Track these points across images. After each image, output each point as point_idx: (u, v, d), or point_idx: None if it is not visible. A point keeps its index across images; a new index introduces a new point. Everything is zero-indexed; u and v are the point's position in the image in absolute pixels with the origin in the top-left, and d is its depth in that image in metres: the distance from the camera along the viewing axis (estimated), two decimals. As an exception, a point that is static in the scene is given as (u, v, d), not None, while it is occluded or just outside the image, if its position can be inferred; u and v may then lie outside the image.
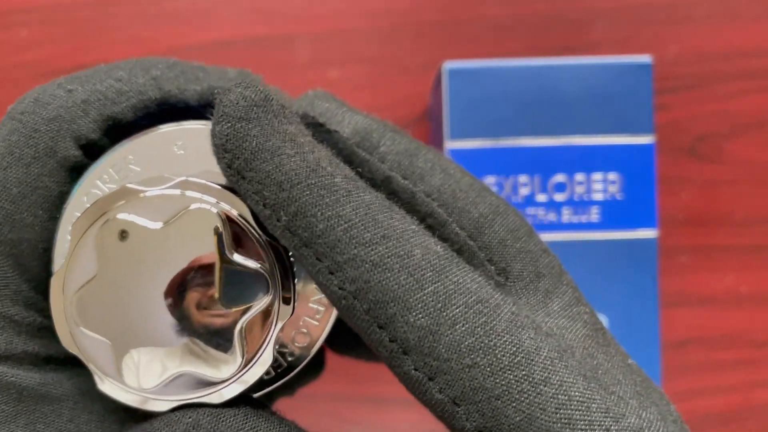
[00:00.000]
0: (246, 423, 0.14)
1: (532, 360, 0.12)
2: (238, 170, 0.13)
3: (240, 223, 0.14)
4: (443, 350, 0.12)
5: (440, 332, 0.12)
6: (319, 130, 0.16)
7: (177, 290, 0.14)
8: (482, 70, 0.28)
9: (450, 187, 0.15)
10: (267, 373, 0.16)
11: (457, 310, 0.12)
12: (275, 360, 0.16)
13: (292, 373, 0.16)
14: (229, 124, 0.13)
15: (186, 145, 0.15)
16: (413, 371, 0.12)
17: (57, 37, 0.35)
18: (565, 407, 0.12)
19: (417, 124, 0.35)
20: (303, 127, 0.14)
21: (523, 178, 0.29)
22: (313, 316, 0.16)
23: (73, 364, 0.15)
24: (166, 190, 0.14)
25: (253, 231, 0.14)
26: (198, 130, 0.15)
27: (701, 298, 0.35)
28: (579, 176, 0.29)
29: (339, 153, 0.16)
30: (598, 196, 0.29)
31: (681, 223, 0.35)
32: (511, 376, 0.12)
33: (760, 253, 0.35)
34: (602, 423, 0.12)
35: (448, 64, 0.28)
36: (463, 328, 0.12)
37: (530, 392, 0.12)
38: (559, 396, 0.12)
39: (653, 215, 0.29)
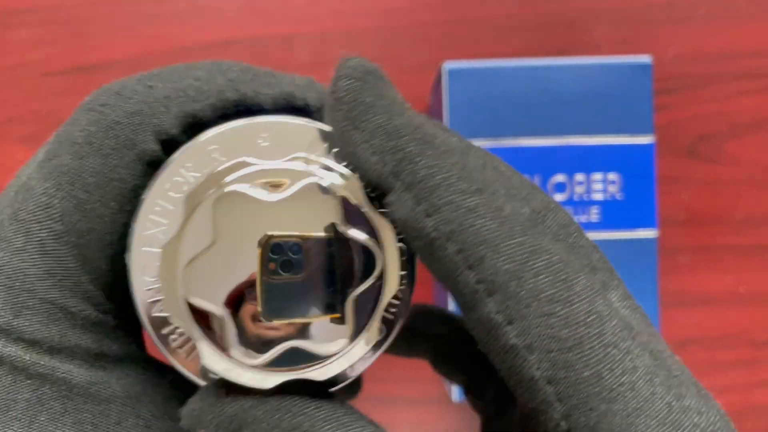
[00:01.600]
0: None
1: (604, 323, 0.13)
2: (352, 120, 0.14)
3: (351, 199, 0.14)
4: (525, 295, 0.13)
5: (524, 279, 0.13)
6: None
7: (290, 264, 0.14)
8: (482, 70, 0.28)
9: (503, 184, 0.15)
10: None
11: (541, 263, 0.13)
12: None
13: (384, 345, 0.15)
14: (350, 81, 0.14)
15: (271, 138, 0.15)
16: (494, 314, 0.13)
17: (57, 37, 0.35)
18: (631, 373, 0.13)
19: (417, 124, 0.35)
20: (404, 99, 0.15)
21: (523, 178, 0.29)
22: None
23: (122, 364, 0.15)
24: (282, 163, 0.14)
25: (364, 206, 0.14)
26: (284, 123, 0.15)
27: (701, 298, 0.35)
28: (579, 176, 0.29)
29: None
30: (598, 196, 0.29)
31: (681, 223, 0.35)
32: (585, 332, 0.13)
33: (760, 253, 0.35)
34: (664, 397, 0.13)
35: (448, 64, 0.28)
36: (546, 280, 0.13)
37: (600, 352, 0.13)
38: (626, 362, 0.13)
39: (653, 215, 0.29)
